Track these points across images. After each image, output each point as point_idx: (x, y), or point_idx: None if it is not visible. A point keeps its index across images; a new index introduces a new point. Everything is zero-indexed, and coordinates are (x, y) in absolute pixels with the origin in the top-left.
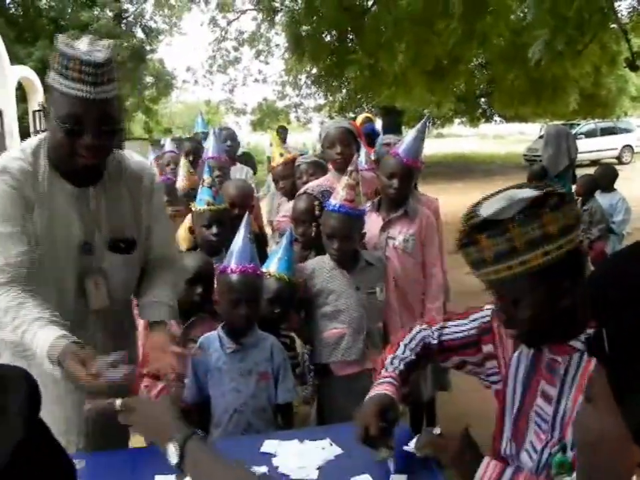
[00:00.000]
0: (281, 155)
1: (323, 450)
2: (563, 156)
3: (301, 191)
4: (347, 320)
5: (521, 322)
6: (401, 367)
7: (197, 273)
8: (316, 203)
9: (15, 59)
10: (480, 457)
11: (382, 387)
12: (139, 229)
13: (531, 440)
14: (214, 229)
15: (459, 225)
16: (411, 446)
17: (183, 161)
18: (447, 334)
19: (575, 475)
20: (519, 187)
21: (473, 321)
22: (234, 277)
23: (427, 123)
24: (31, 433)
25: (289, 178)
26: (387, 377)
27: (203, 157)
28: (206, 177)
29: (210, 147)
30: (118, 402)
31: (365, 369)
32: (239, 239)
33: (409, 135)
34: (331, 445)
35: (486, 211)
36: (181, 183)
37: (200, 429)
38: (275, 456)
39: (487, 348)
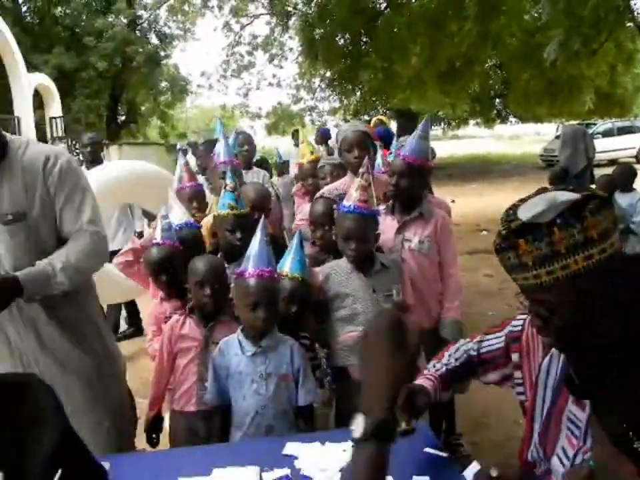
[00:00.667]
0: (312, 152)
1: (344, 452)
2: (580, 156)
3: (318, 194)
4: (364, 323)
5: (557, 328)
6: (442, 370)
7: (204, 275)
8: (334, 206)
9: (31, 67)
10: None
11: (418, 381)
12: (32, 206)
13: (563, 445)
14: (238, 234)
15: (475, 226)
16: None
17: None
18: (484, 346)
19: None
20: (556, 189)
21: (506, 331)
22: (251, 280)
23: (429, 123)
24: (65, 440)
25: (316, 177)
26: (425, 375)
27: (215, 161)
28: (229, 182)
29: (221, 152)
30: None
31: None
32: (255, 243)
33: (412, 135)
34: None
35: (525, 214)
36: None
37: (221, 431)
38: (296, 458)
39: (515, 357)
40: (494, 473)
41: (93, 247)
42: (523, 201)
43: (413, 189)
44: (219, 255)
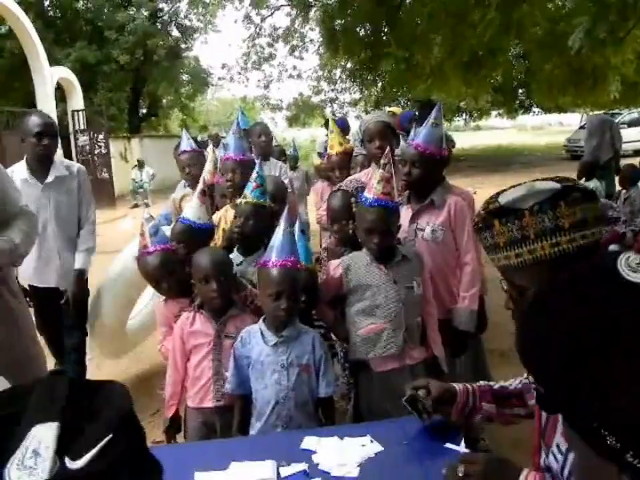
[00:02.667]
0: (340, 144)
1: (363, 447)
2: (606, 146)
3: (336, 187)
4: (385, 315)
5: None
6: (483, 384)
7: (208, 269)
8: (352, 200)
9: (53, 60)
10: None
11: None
12: None
13: (558, 442)
14: (244, 223)
15: None
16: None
17: (210, 156)
18: None
19: None
20: (544, 179)
21: None
22: (274, 270)
23: (441, 110)
24: (121, 435)
25: (344, 169)
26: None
27: (223, 155)
28: (254, 174)
29: (231, 146)
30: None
31: (406, 365)
32: (279, 233)
33: (424, 123)
34: (372, 442)
35: (505, 198)
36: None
37: (241, 422)
38: (314, 452)
39: None
40: (460, 473)
41: (35, 226)
42: (510, 188)
43: (425, 177)
44: (235, 248)
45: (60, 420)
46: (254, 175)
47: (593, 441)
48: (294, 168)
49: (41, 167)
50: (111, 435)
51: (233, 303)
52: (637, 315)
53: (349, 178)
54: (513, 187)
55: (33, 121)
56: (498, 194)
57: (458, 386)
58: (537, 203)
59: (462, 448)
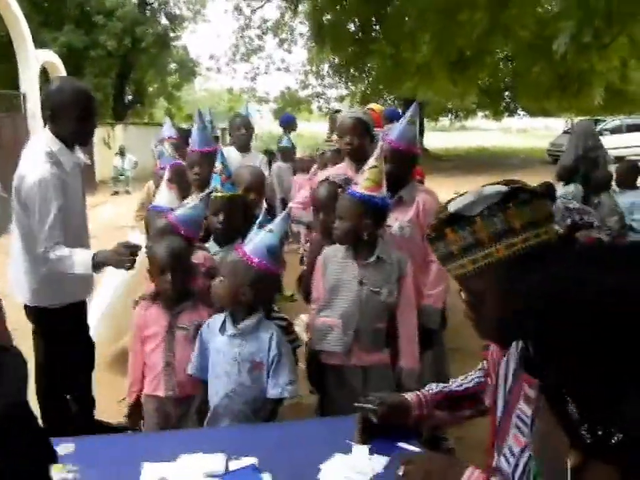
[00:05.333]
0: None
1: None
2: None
3: (322, 178)
4: (339, 312)
5: (486, 318)
6: (436, 389)
7: (164, 260)
8: (339, 190)
9: (40, 44)
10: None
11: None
12: None
13: (510, 444)
14: (220, 217)
15: None
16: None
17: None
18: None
19: None
20: (492, 184)
21: None
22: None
23: (417, 108)
24: (11, 413)
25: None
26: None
27: (189, 148)
28: (217, 164)
29: (195, 139)
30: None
31: (352, 365)
32: (260, 233)
33: (400, 120)
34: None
35: (454, 206)
36: None
37: (200, 405)
38: (267, 447)
39: (485, 364)
40: (400, 472)
41: None
42: (459, 195)
43: (396, 173)
44: (212, 237)
45: None
46: (218, 165)
47: (557, 407)
48: (287, 160)
49: None
50: None
51: (189, 295)
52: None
53: (329, 171)
54: (461, 194)
55: None
56: (447, 203)
57: (411, 397)
58: (487, 207)
59: (414, 447)
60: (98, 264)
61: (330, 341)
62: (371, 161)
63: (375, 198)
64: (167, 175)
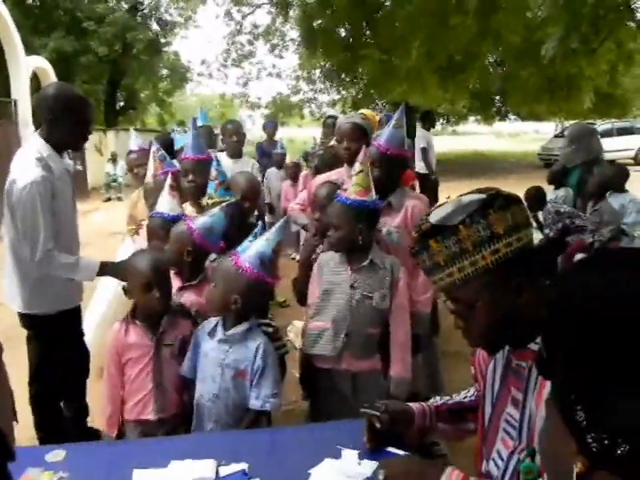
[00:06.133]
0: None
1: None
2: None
3: (322, 181)
4: (331, 316)
5: (477, 325)
6: (440, 401)
7: (150, 276)
8: (339, 191)
9: (30, 50)
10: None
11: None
12: None
13: (498, 448)
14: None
15: None
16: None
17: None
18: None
19: None
20: (469, 193)
21: None
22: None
23: (404, 112)
24: None
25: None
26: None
27: (183, 154)
28: (212, 171)
29: (189, 146)
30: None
31: (342, 370)
32: (255, 241)
33: (387, 125)
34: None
35: (435, 217)
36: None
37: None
38: (256, 454)
39: (472, 370)
40: (381, 476)
41: None
42: (437, 207)
43: (385, 178)
44: None
45: None
46: (213, 172)
47: (565, 413)
48: (281, 167)
49: None
50: None
51: (168, 310)
52: None
53: (325, 175)
54: (440, 205)
55: None
56: (427, 215)
57: (416, 407)
58: (468, 215)
59: (402, 452)
60: (104, 274)
61: (321, 344)
62: (357, 166)
63: (366, 202)
64: (169, 181)
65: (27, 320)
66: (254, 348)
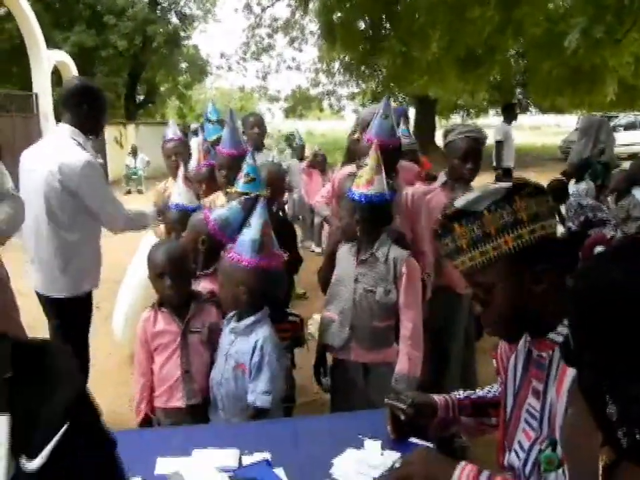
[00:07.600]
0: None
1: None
2: (591, 147)
3: (345, 173)
4: (337, 307)
5: (495, 310)
6: (463, 394)
7: (163, 265)
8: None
9: (51, 44)
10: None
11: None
12: None
13: (519, 439)
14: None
15: None
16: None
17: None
18: None
19: (561, 470)
20: (494, 183)
21: None
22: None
23: (389, 102)
24: (79, 401)
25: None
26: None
27: (219, 148)
28: (244, 165)
29: (226, 141)
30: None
31: (353, 360)
32: (245, 230)
33: (374, 116)
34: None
35: (461, 202)
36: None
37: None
38: (280, 442)
39: (494, 362)
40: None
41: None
42: (465, 194)
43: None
44: None
45: (10, 407)
46: (244, 167)
47: (596, 406)
48: (301, 159)
49: None
50: (67, 424)
51: (193, 296)
52: None
53: (348, 168)
54: (467, 193)
55: None
56: (454, 200)
57: (439, 399)
58: (494, 201)
59: (427, 442)
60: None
61: (330, 334)
62: (365, 160)
63: (366, 194)
64: (181, 172)
65: (61, 306)
66: (253, 341)
